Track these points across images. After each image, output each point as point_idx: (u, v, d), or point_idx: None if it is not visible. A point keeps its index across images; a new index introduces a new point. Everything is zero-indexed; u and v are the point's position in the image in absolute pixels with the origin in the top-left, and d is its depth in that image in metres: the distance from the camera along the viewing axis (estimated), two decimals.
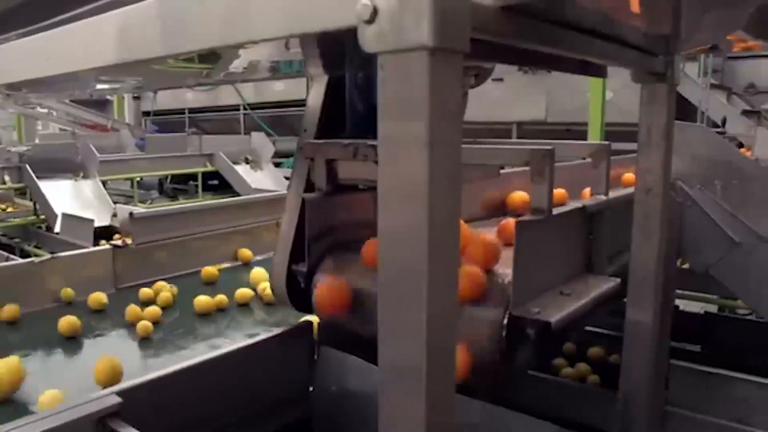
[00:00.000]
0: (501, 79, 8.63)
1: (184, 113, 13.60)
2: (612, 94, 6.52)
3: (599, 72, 1.43)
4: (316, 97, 1.93)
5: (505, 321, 1.40)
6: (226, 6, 0.80)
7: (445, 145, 0.62)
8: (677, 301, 4.55)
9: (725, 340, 2.83)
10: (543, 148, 1.33)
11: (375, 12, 0.64)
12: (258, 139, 7.65)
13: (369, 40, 0.65)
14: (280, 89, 11.24)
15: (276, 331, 1.95)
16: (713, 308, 4.45)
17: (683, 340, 3.05)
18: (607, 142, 1.71)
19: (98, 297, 2.71)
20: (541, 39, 0.88)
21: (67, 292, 2.77)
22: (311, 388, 2.02)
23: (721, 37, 2.61)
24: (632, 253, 1.48)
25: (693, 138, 2.19)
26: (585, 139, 6.39)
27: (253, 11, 0.77)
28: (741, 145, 4.89)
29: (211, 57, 6.81)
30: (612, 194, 1.73)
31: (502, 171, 1.89)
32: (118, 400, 1.36)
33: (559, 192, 1.95)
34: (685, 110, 8.28)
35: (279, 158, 8.52)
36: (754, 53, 10.36)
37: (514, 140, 1.98)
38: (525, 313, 1.37)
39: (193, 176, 7.33)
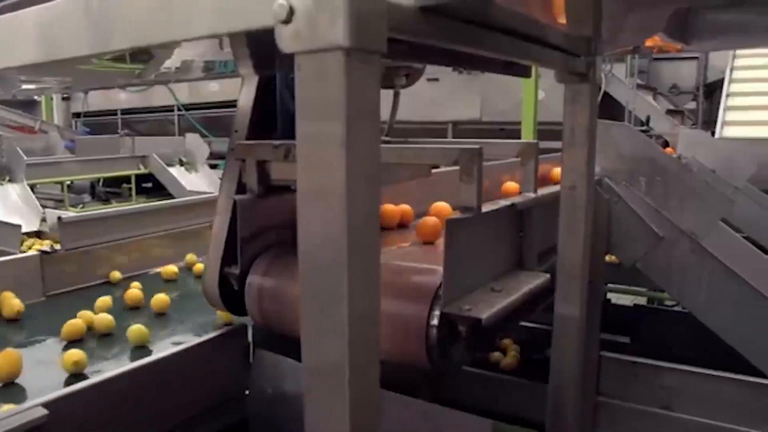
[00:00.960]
0: (436, 79, 8.70)
1: (116, 114, 13.27)
2: (544, 94, 6.66)
3: (524, 72, 1.47)
4: (246, 97, 1.91)
5: (437, 319, 1.42)
6: (150, 4, 0.79)
7: (362, 145, 0.63)
8: (609, 295, 4.71)
9: (653, 331, 2.93)
10: (471, 148, 1.35)
11: (291, 12, 0.64)
12: (193, 140, 7.52)
13: (286, 40, 0.65)
14: (216, 89, 11.08)
15: (210, 334, 1.92)
16: (644, 300, 4.61)
17: (614, 332, 3.14)
18: (534, 141, 1.74)
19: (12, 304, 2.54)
20: (461, 39, 0.89)
21: None
22: (247, 392, 2.00)
23: (641, 39, 2.71)
24: (559, 249, 1.52)
25: (618, 136, 2.25)
26: (519, 137, 6.51)
27: (178, 10, 0.76)
28: (666, 144, 5.04)
29: (142, 56, 6.65)
30: (541, 192, 1.77)
31: (435, 171, 1.91)
32: (44, 412, 1.32)
33: (512, 186, 2.00)
34: (613, 110, 8.54)
35: (215, 160, 8.39)
36: (677, 56, 10.78)
37: (444, 140, 2.01)
38: (456, 310, 1.38)
39: (126, 179, 7.15)
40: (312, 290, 0.67)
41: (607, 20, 1.90)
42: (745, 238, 3.89)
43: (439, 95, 8.73)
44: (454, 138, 8.35)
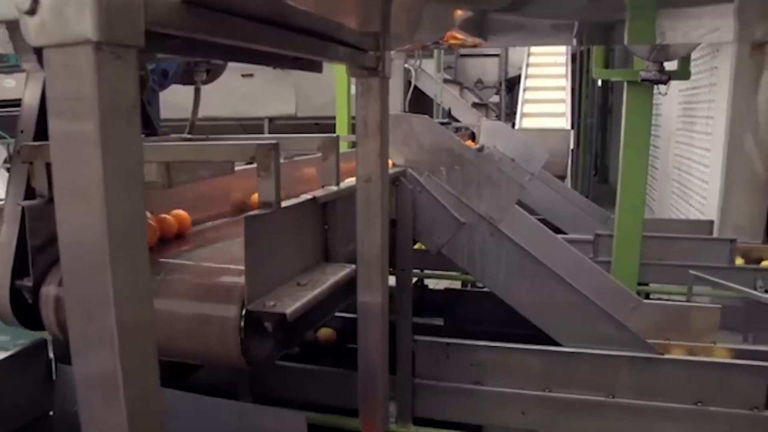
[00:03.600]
0: (251, 75, 8.57)
1: None
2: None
3: (313, 67, 1.48)
4: (32, 94, 1.77)
5: (243, 317, 1.40)
6: None
7: (120, 145, 0.60)
8: (427, 280, 4.91)
9: (464, 312, 3.09)
10: (267, 143, 1.35)
11: (36, 2, 0.59)
12: None
13: (32, 33, 0.60)
14: (11, 86, 10.16)
15: (5, 353, 1.77)
16: (459, 284, 4.86)
17: (431, 316, 3.28)
18: (335, 135, 1.77)
19: None
20: (232, 34, 0.87)
21: None
22: (51, 412, 1.87)
23: (438, 35, 2.85)
24: (357, 239, 1.56)
25: (419, 128, 2.35)
26: (335, 132, 6.56)
27: None
28: (473, 135, 5.32)
29: None
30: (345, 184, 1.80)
31: (247, 168, 1.88)
32: None
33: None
34: (423, 103, 8.91)
35: None
36: (482, 52, 11.50)
37: (243, 136, 1.99)
38: (261, 307, 1.38)
39: None
40: (77, 299, 0.63)
41: (402, 17, 1.97)
42: (541, 219, 4.23)
43: (254, 91, 8.61)
44: (270, 134, 8.30)
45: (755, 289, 3.72)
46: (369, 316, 1.56)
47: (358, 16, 1.34)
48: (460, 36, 3.28)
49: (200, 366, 2.45)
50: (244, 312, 1.40)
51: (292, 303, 1.39)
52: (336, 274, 1.60)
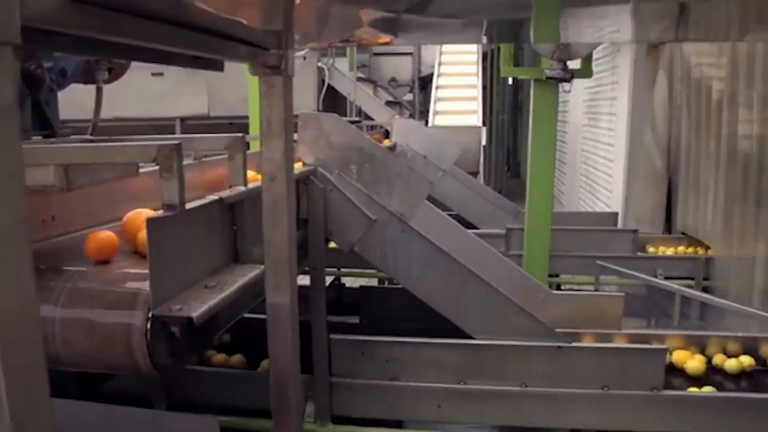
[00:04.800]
0: (161, 74, 8.36)
1: None
2: None
3: (215, 66, 1.46)
4: None
5: (149, 323, 1.37)
6: None
7: None
8: (346, 279, 4.91)
9: (380, 309, 3.11)
10: (169, 143, 1.31)
11: None
12: None
13: None
14: None
15: None
16: (375, 282, 4.89)
17: (347, 314, 3.29)
18: (241, 134, 1.75)
19: None
20: (127, 32, 0.85)
21: None
22: None
23: (347, 33, 2.86)
24: (264, 239, 1.54)
25: (328, 127, 2.35)
26: (248, 132, 6.46)
27: None
28: (387, 133, 5.36)
29: None
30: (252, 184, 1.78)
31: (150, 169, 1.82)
32: None
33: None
34: (338, 102, 8.91)
35: None
36: (395, 51, 11.61)
37: (147, 136, 1.94)
38: (166, 311, 1.34)
39: None
40: None
41: (309, 15, 1.97)
42: (454, 215, 4.30)
43: (165, 90, 8.39)
44: (183, 134, 8.10)
45: (656, 276, 3.91)
46: (278, 316, 1.55)
47: (260, 13, 1.33)
48: (370, 34, 3.30)
49: (112, 375, 2.38)
50: (149, 317, 1.36)
51: (198, 306, 1.36)
52: (245, 275, 1.57)
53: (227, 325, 1.79)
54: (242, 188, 1.69)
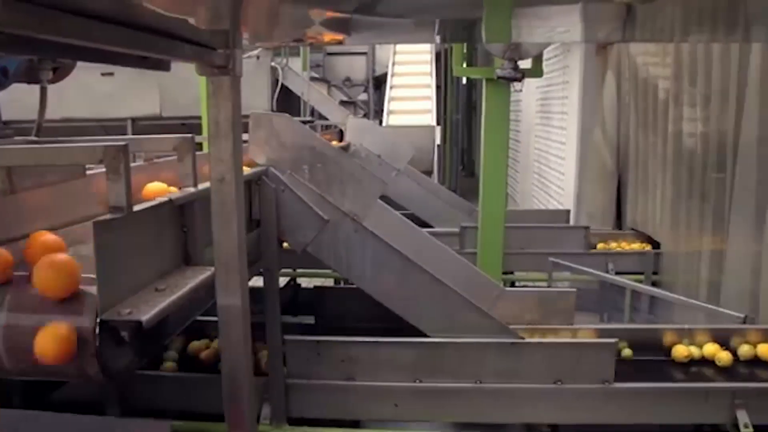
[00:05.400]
0: (111, 73, 8.19)
1: None
2: None
3: (161, 66, 1.44)
4: None
5: (97, 328, 1.34)
6: None
7: None
8: (302, 279, 4.89)
9: (336, 309, 3.10)
10: (116, 145, 1.29)
11: None
12: None
13: None
14: None
15: None
16: (331, 282, 4.88)
17: (304, 314, 3.28)
18: (190, 135, 1.73)
19: None
20: (67, 32, 0.83)
21: None
22: None
23: (299, 33, 2.84)
24: (214, 240, 1.53)
25: (280, 127, 2.34)
26: (201, 133, 6.39)
27: None
28: (342, 133, 5.35)
29: None
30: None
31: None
32: None
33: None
34: (292, 102, 8.87)
35: None
36: (349, 50, 11.61)
37: (94, 138, 1.89)
38: (115, 316, 1.33)
39: None
40: None
41: (259, 14, 1.95)
42: (409, 214, 4.32)
43: (115, 90, 8.22)
44: (134, 135, 7.96)
45: (607, 271, 3.99)
46: (229, 318, 1.54)
47: (207, 13, 1.32)
48: (322, 34, 3.29)
49: (63, 382, 2.33)
50: (98, 322, 1.34)
51: (148, 310, 1.35)
52: (196, 277, 1.56)
53: (179, 329, 1.77)
54: (192, 189, 1.68)
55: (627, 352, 2.63)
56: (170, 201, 1.55)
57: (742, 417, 2.26)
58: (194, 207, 1.68)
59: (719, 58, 3.53)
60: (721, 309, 3.02)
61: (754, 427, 2.24)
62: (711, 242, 3.73)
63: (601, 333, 2.60)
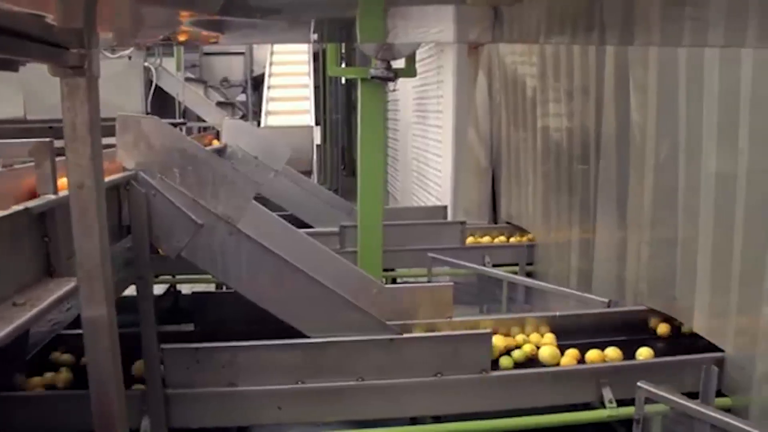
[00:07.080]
0: None
1: None
2: None
3: (9, 66, 1.36)
4: None
5: None
6: None
7: None
8: (184, 285, 4.76)
9: (215, 315, 3.03)
10: None
11: None
12: None
13: None
14: None
15: None
16: (213, 287, 4.77)
17: (183, 322, 3.18)
18: (48, 139, 1.64)
19: None
20: None
21: None
22: None
23: (167, 31, 2.76)
24: (76, 250, 1.46)
25: (148, 130, 2.26)
26: None
27: None
28: (218, 134, 5.26)
29: None
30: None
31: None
32: None
33: None
34: (168, 103, 8.61)
35: None
36: (227, 50, 11.42)
37: None
38: None
39: None
40: None
41: (121, 13, 1.88)
42: (288, 215, 4.30)
43: None
44: None
45: (484, 264, 4.13)
46: (95, 330, 1.47)
47: (59, 10, 1.25)
48: (194, 33, 3.21)
49: None
50: None
51: (4, 326, 1.27)
52: (60, 289, 1.49)
53: (42, 344, 1.68)
54: (52, 197, 1.59)
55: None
56: (27, 210, 1.47)
57: (607, 394, 2.42)
58: (55, 215, 1.59)
59: (579, 58, 3.73)
60: (587, 295, 3.19)
61: (618, 401, 2.40)
62: (580, 232, 3.92)
63: (477, 324, 2.69)
